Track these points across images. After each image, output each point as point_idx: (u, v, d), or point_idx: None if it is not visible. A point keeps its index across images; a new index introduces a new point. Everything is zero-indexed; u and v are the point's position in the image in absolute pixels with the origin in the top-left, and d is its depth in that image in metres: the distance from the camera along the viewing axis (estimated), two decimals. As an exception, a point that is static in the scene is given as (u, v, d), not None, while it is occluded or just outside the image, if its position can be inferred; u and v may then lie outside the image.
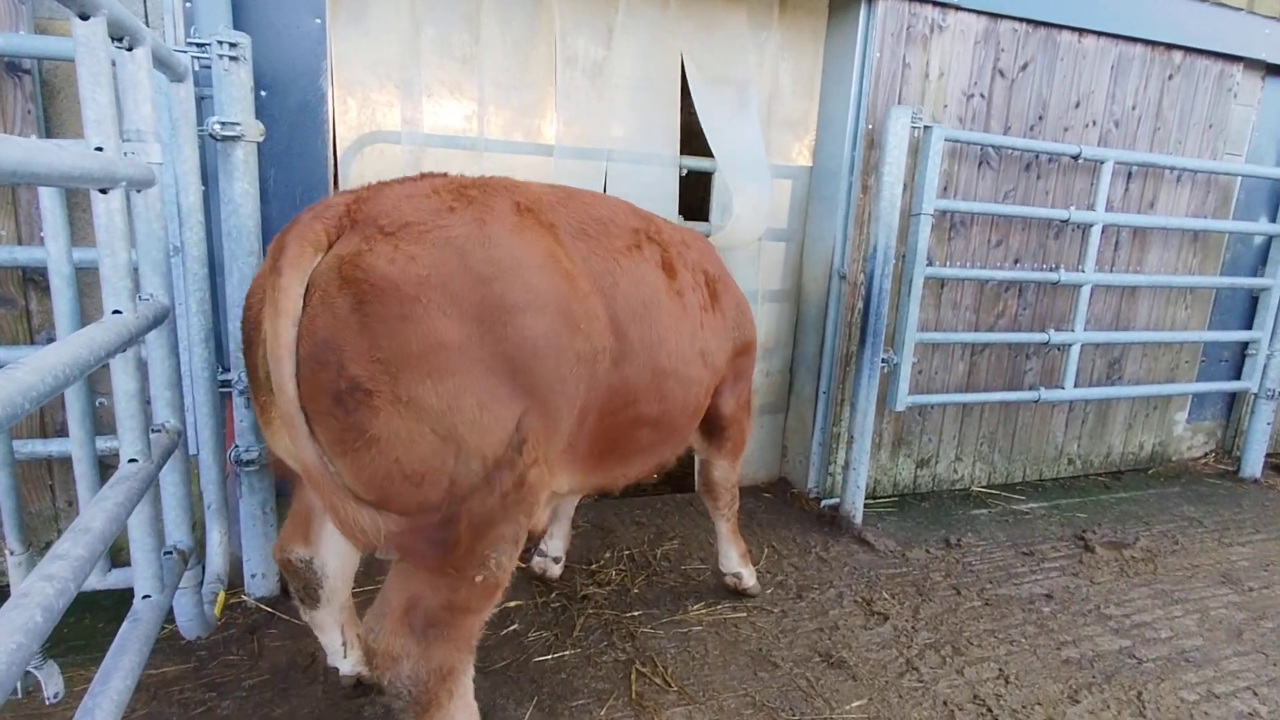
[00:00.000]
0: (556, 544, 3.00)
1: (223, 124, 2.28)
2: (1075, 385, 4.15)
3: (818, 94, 3.78)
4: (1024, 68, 3.76)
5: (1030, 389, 4.11)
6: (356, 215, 1.52)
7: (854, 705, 2.36)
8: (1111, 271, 4.21)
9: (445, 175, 1.75)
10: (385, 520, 1.48)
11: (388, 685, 1.63)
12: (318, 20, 2.66)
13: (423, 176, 1.73)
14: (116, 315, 1.49)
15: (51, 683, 1.95)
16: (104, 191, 1.44)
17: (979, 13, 3.58)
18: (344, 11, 2.93)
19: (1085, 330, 4.08)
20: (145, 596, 1.71)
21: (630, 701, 2.31)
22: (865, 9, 3.43)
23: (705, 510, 3.74)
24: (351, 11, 2.96)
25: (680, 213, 3.61)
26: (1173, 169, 4.18)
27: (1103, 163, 3.83)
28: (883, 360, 3.51)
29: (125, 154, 1.64)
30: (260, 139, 2.40)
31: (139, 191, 1.73)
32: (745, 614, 2.85)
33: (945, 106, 3.64)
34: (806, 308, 3.94)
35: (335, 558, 2.01)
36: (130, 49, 1.63)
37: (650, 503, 3.83)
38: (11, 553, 1.93)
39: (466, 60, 3.14)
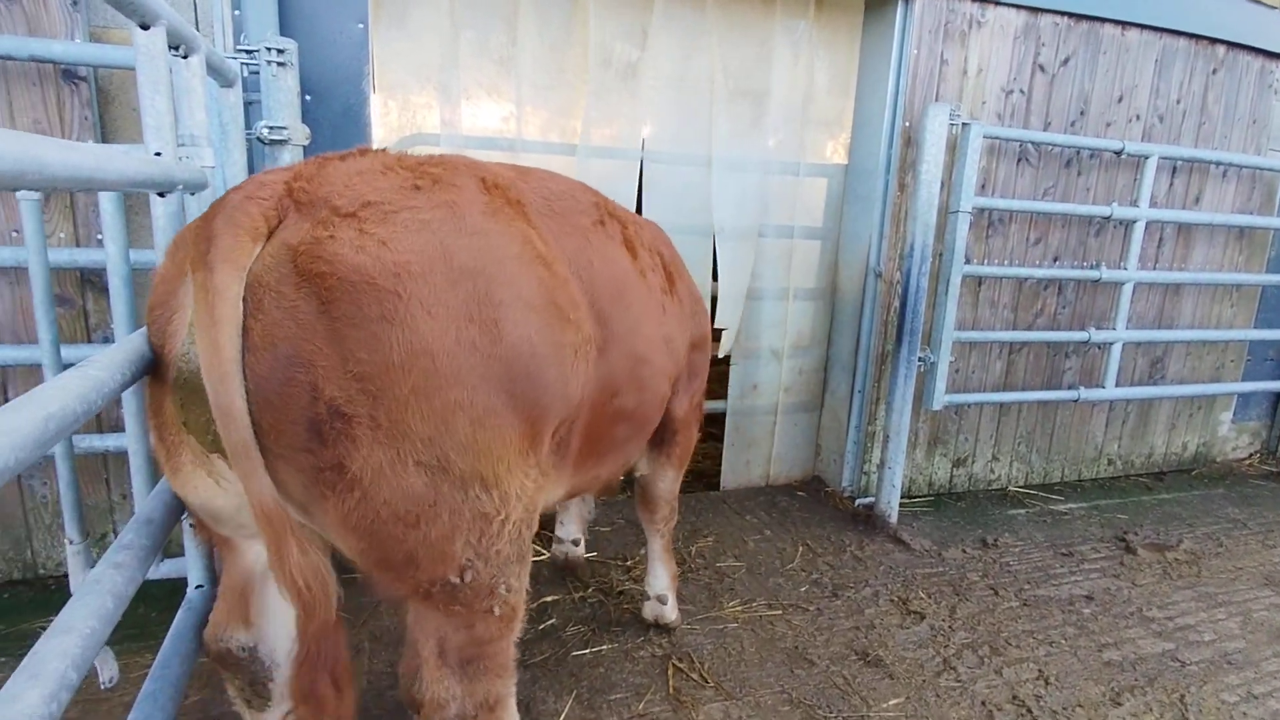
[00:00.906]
0: (571, 527, 2.98)
1: (270, 128, 2.34)
2: (1116, 384, 4.08)
3: (853, 92, 3.75)
4: (1065, 62, 3.70)
5: (1070, 388, 4.04)
6: (300, 195, 1.24)
7: (891, 704, 2.35)
8: (1155, 269, 4.13)
9: (386, 151, 1.48)
10: (378, 572, 1.30)
11: None
12: (360, 25, 2.71)
13: (362, 151, 1.44)
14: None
15: (106, 668, 2.01)
16: (162, 195, 1.49)
17: (1019, 7, 3.53)
18: (386, 15, 2.98)
19: (1127, 329, 4.01)
20: (198, 586, 1.76)
21: (668, 696, 2.33)
22: (902, 6, 3.40)
23: (738, 508, 3.76)
24: (393, 15, 3.01)
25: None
26: (1218, 164, 4.08)
27: (1146, 158, 3.75)
28: (919, 359, 3.49)
29: (180, 159, 1.70)
30: (306, 142, 2.45)
31: (193, 194, 1.79)
32: (781, 612, 2.85)
33: (984, 103, 3.59)
34: (842, 306, 3.92)
35: (286, 638, 1.57)
36: (185, 57, 1.68)
37: (684, 500, 3.84)
38: (71, 542, 2.01)
39: (503, 62, 3.18)
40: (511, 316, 1.33)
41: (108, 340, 2.61)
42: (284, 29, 2.58)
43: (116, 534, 2.52)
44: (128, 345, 1.22)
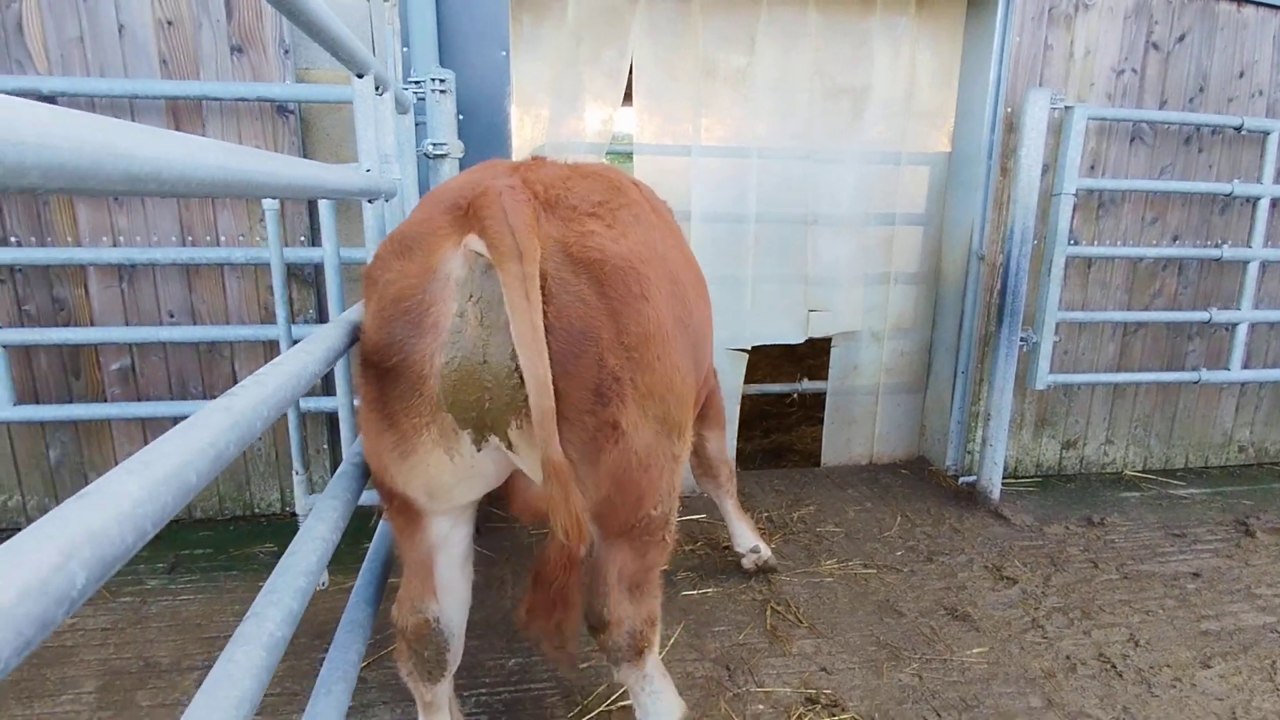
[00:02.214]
0: None
1: (434, 145, 2.84)
2: (1245, 367, 3.96)
3: (956, 82, 3.87)
4: (1181, 39, 3.65)
5: (1192, 370, 3.97)
6: (544, 196, 1.46)
7: (974, 652, 2.55)
8: (1291, 247, 3.97)
9: (548, 159, 1.70)
10: (611, 512, 1.50)
11: (609, 647, 1.75)
12: (503, 53, 3.18)
13: (538, 160, 1.69)
14: (378, 293, 2.01)
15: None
16: (370, 201, 1.97)
17: (1128, -13, 3.54)
18: (522, 42, 3.45)
19: (1255, 309, 3.88)
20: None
21: (765, 632, 2.64)
22: (1003, -5, 3.51)
23: (839, 483, 3.99)
24: (527, 41, 3.47)
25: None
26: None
27: (1269, 134, 3.64)
28: (1021, 339, 3.58)
29: (380, 173, 2.19)
30: (461, 155, 2.94)
31: (387, 201, 2.28)
32: (875, 571, 3.08)
33: (1092, 85, 3.62)
34: (945, 289, 4.04)
35: (459, 609, 1.75)
36: (381, 94, 2.17)
37: (789, 474, 4.11)
38: (297, 473, 2.58)
39: (617, 75, 3.57)
40: (689, 296, 1.60)
41: (308, 321, 3.22)
42: (442, 60, 3.09)
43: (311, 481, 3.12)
44: (345, 321, 1.62)
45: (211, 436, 0.79)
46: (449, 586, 1.71)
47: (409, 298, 1.39)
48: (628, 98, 3.57)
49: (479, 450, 1.44)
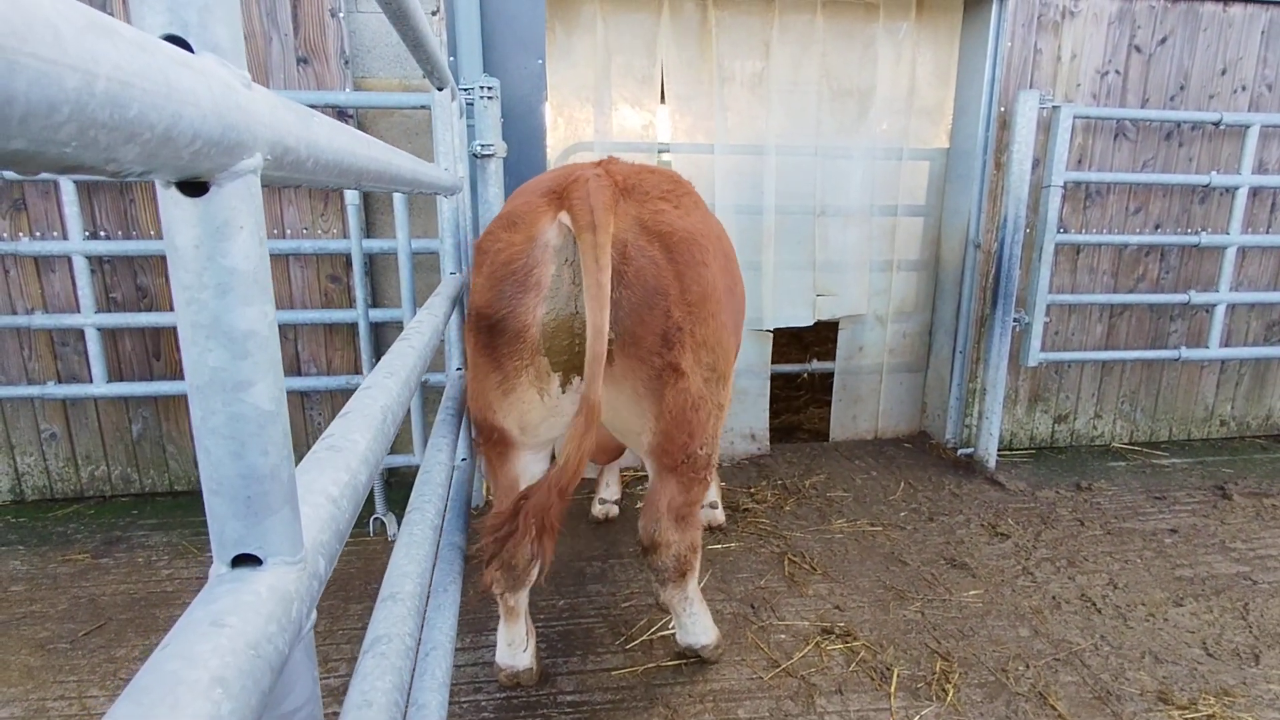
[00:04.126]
0: (614, 489, 3.47)
1: (482, 146, 3.15)
2: (1224, 345, 4.26)
3: (954, 83, 4.18)
4: (1162, 42, 3.95)
5: (1174, 349, 4.27)
6: (623, 183, 1.80)
7: (971, 594, 2.87)
8: (1269, 233, 4.27)
9: (620, 159, 2.08)
10: (667, 445, 1.81)
11: (657, 566, 2.07)
12: (540, 61, 3.50)
13: (612, 159, 2.07)
14: (453, 275, 2.34)
15: (391, 526, 2.90)
16: (448, 196, 2.29)
17: (1112, -5, 3.84)
18: (557, 50, 3.77)
19: (1232, 291, 4.19)
20: (463, 460, 2.57)
21: (783, 578, 2.96)
22: (997, 4, 3.81)
23: (847, 455, 4.31)
24: (561, 49, 3.79)
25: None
26: (1336, 128, 4.16)
27: (1248, 127, 3.94)
28: (1014, 320, 3.89)
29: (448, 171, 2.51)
30: (504, 155, 3.26)
31: (451, 196, 2.60)
32: (881, 529, 3.40)
33: (1078, 86, 3.93)
34: (944, 275, 4.36)
35: None
36: (453, 100, 2.49)
37: (800, 447, 4.43)
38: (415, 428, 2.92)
39: (646, 80, 3.89)
40: (735, 269, 1.96)
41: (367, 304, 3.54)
42: (485, 69, 3.41)
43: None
44: (445, 295, 1.98)
45: (410, 361, 1.12)
46: None
47: (516, 261, 1.74)
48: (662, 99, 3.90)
49: (564, 392, 1.78)
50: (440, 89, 2.18)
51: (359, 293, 2.63)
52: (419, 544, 1.18)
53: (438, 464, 1.54)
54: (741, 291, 2.15)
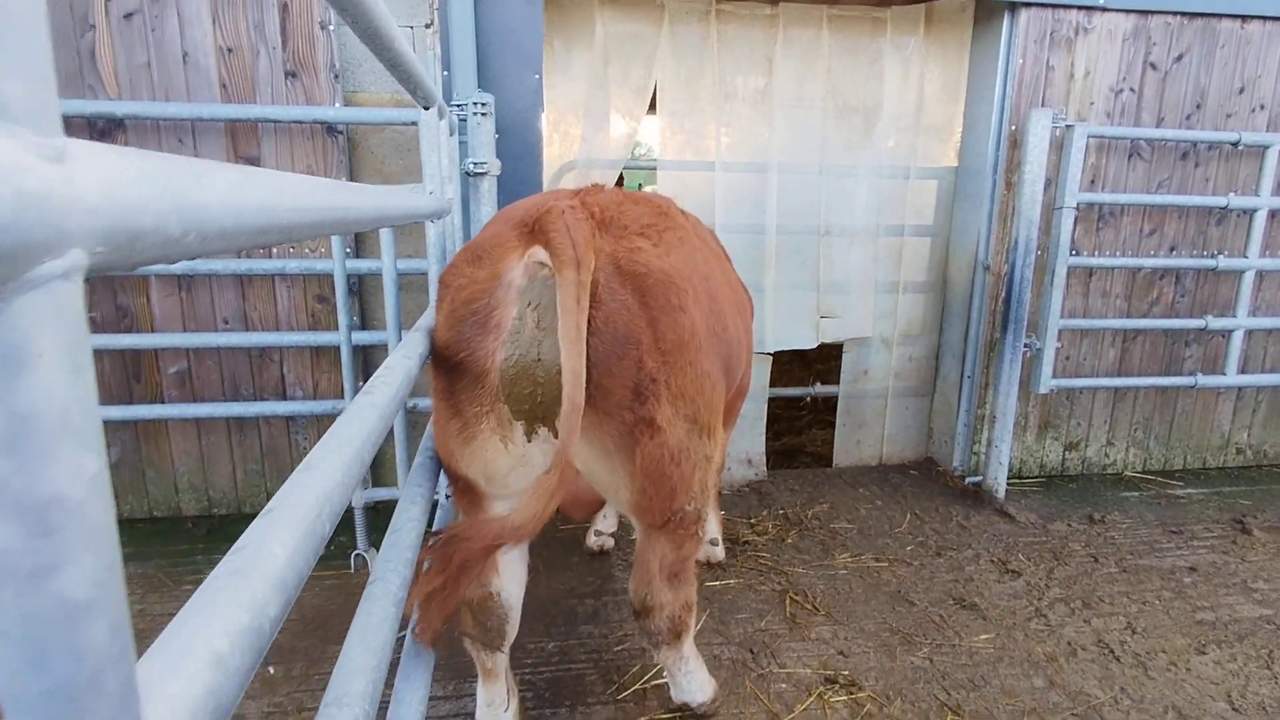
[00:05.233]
0: (610, 520, 3.34)
1: (475, 164, 3.03)
2: (1241, 372, 4.12)
3: (963, 100, 4.07)
4: (1178, 59, 3.84)
5: (1189, 375, 4.14)
6: (600, 217, 1.63)
7: (981, 638, 2.73)
8: (1286, 257, 4.14)
9: (605, 187, 1.88)
10: (646, 503, 1.65)
11: (650, 630, 1.94)
12: (537, 76, 3.38)
13: (597, 187, 1.87)
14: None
15: (373, 560, 2.76)
16: (434, 220, 2.17)
17: (1127, 11, 3.72)
18: (555, 65, 3.66)
19: (1251, 316, 4.05)
20: (447, 496, 2.43)
21: (785, 619, 2.82)
22: (1008, 19, 3.70)
23: (851, 482, 4.17)
24: (560, 64, 3.68)
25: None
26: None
27: (1268, 148, 3.82)
28: (1025, 345, 3.76)
29: (435, 193, 2.39)
30: (499, 173, 3.14)
31: (438, 220, 2.48)
32: (887, 564, 3.26)
33: (1092, 104, 3.81)
34: (952, 298, 4.23)
35: (517, 585, 1.95)
36: (441, 119, 2.37)
37: (802, 474, 4.29)
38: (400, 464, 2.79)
39: (644, 95, 3.77)
40: (725, 310, 1.78)
41: (352, 327, 3.42)
42: (480, 84, 3.29)
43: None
44: (424, 327, 1.84)
45: (368, 428, 0.99)
46: (508, 564, 1.90)
47: (477, 300, 1.58)
48: (652, 108, 3.78)
49: (529, 440, 1.62)
50: (427, 108, 2.06)
51: (342, 318, 2.52)
52: (376, 628, 1.05)
53: (409, 521, 1.41)
54: (738, 331, 1.97)
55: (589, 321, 1.50)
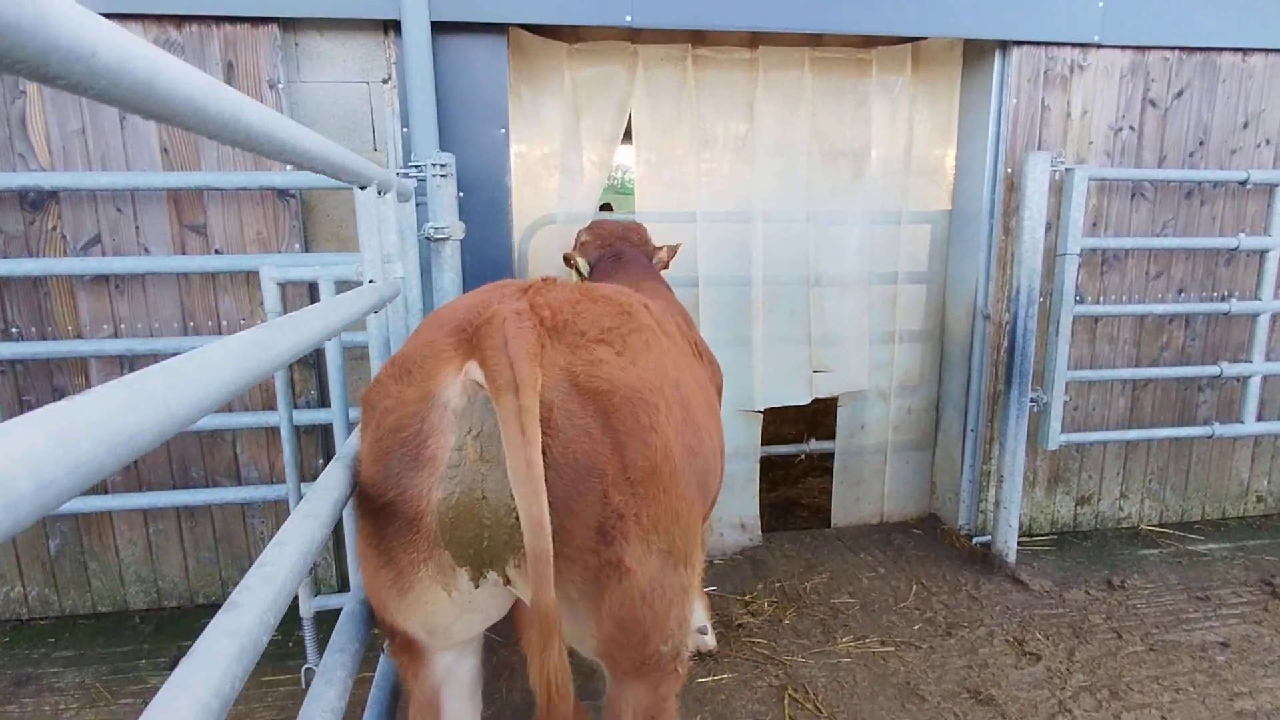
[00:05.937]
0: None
1: (435, 229, 2.82)
2: (1259, 419, 3.90)
3: (954, 139, 3.88)
4: (1179, 95, 3.66)
5: (1204, 423, 3.91)
6: (549, 321, 1.38)
7: (1002, 742, 2.46)
8: (1301, 295, 3.94)
9: (559, 280, 1.62)
10: (615, 651, 1.43)
11: None
12: (503, 130, 3.19)
13: (547, 281, 1.59)
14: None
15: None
16: (375, 312, 1.94)
17: (1123, 47, 3.55)
18: (523, 113, 3.46)
19: (1266, 361, 3.84)
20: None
21: (784, 723, 2.56)
22: (999, 58, 3.52)
23: (851, 545, 3.92)
24: (527, 111, 3.49)
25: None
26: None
27: (1276, 186, 3.63)
28: (1031, 399, 3.53)
29: (380, 276, 2.17)
30: (461, 236, 2.93)
31: (383, 306, 2.25)
32: (893, 648, 3.00)
33: (1090, 143, 3.63)
34: (951, 347, 4.01)
35: None
36: (382, 194, 2.15)
37: (799, 536, 4.04)
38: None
39: (613, 143, 3.58)
40: (700, 420, 1.55)
41: (310, 403, 3.18)
42: (442, 140, 3.09)
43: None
44: (345, 459, 1.48)
45: (228, 647, 0.75)
46: (458, 718, 1.63)
47: (406, 428, 1.32)
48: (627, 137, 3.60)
49: (477, 587, 1.37)
50: (363, 187, 1.85)
51: (280, 398, 2.28)
52: None
53: (321, 714, 1.15)
54: (713, 441, 1.71)
55: (544, 452, 1.23)
